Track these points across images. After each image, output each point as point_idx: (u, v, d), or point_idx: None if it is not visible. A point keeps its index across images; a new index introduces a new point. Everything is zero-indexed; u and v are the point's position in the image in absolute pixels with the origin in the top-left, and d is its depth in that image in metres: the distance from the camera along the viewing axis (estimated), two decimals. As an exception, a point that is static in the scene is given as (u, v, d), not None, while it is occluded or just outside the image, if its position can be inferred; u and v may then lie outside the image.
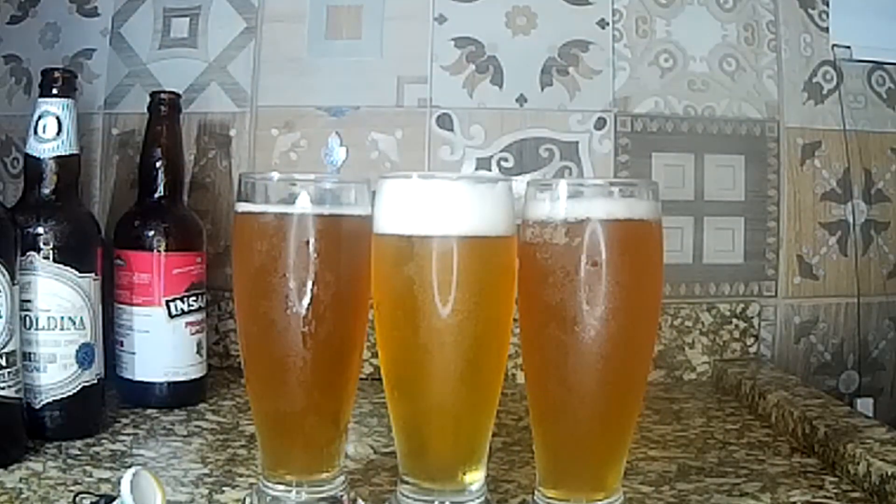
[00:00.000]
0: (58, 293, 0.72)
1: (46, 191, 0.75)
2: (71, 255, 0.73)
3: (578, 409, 0.54)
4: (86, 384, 0.74)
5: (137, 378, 0.85)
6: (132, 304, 0.85)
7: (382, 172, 0.91)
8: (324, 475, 0.57)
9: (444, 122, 1.05)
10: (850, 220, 1.09)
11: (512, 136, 1.06)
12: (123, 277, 0.85)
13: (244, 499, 0.59)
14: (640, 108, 1.07)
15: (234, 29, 1.06)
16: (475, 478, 0.56)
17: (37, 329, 0.71)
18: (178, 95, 0.91)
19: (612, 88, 1.06)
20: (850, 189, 1.09)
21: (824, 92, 1.09)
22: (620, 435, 0.55)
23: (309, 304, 0.54)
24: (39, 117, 0.75)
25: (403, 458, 0.56)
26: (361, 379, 0.60)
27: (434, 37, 1.06)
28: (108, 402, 0.79)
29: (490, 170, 1.05)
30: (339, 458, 0.58)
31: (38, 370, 0.71)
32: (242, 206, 0.56)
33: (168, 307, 0.85)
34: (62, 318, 0.72)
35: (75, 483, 0.62)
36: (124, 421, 0.79)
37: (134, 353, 0.85)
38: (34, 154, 0.75)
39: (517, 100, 1.06)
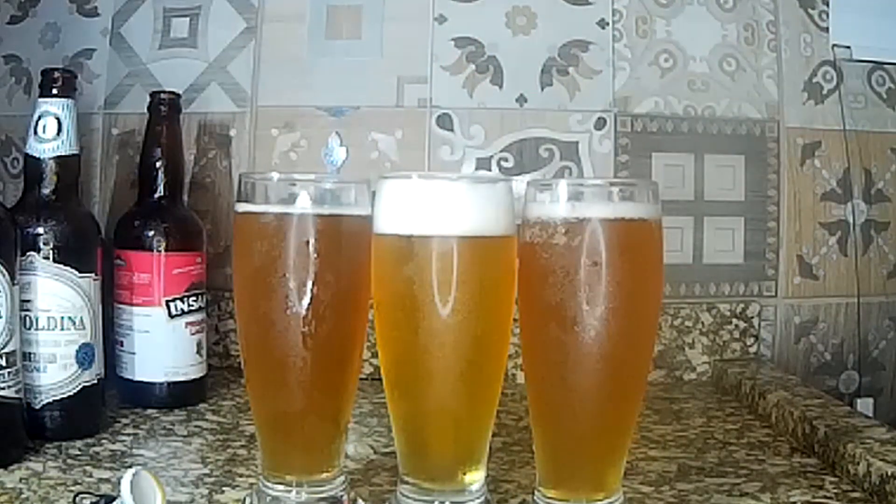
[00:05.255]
0: (58, 293, 0.72)
1: (46, 191, 0.75)
2: (71, 255, 0.73)
3: (578, 409, 0.54)
4: (86, 384, 0.74)
5: (137, 378, 0.85)
6: (132, 304, 0.85)
7: (382, 172, 0.91)
8: (324, 475, 0.57)
9: (444, 122, 1.05)
10: (850, 220, 1.09)
11: (512, 136, 1.06)
12: (123, 277, 0.85)
13: (244, 499, 0.59)
14: (640, 108, 1.07)
15: (234, 29, 1.06)
16: (475, 478, 0.56)
17: (37, 329, 0.71)
18: (178, 95, 0.91)
19: (612, 88, 1.06)
20: (850, 189, 1.09)
21: (824, 92, 1.09)
22: (620, 435, 0.55)
23: (309, 304, 0.54)
24: (39, 117, 0.75)
25: (403, 458, 0.56)
26: (361, 379, 0.60)
27: (434, 37, 1.06)
28: (108, 402, 0.79)
29: (490, 170, 1.05)
30: (339, 458, 0.58)
31: (38, 370, 0.71)
32: (242, 206, 0.56)
33: (168, 307, 0.85)
34: (62, 318, 0.72)
35: (75, 483, 0.62)
36: (124, 421, 0.79)
37: (134, 353, 0.85)
38: (34, 154, 0.75)
39: (517, 100, 1.06)
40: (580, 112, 1.06)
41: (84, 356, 0.73)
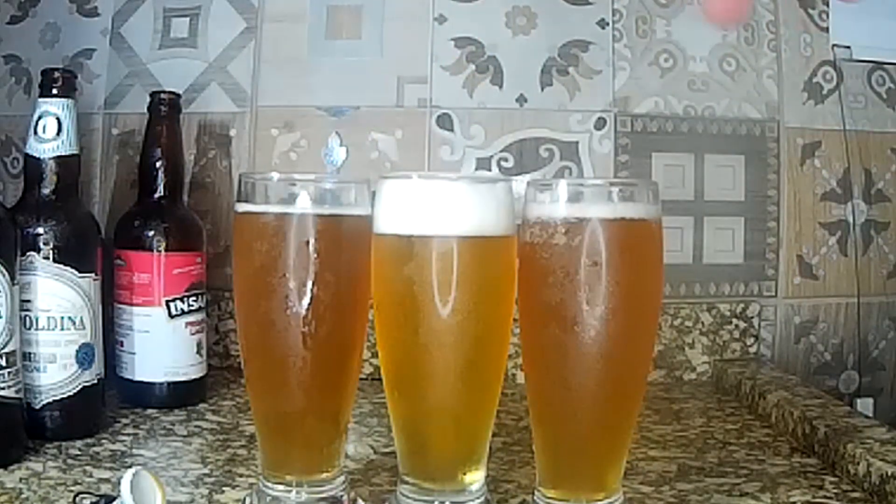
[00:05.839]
0: (58, 293, 0.72)
1: (46, 191, 0.75)
2: (71, 255, 0.73)
3: (578, 409, 0.54)
4: (86, 384, 0.74)
5: (137, 378, 0.85)
6: (132, 304, 0.85)
7: (382, 172, 0.91)
8: (324, 475, 0.57)
9: (444, 122, 1.05)
10: (850, 220, 1.09)
11: (512, 136, 1.06)
12: (123, 277, 0.85)
13: (244, 499, 0.59)
14: (640, 108, 1.07)
15: (234, 29, 1.06)
16: (475, 478, 0.56)
17: (37, 329, 0.71)
18: (178, 95, 0.91)
19: (612, 88, 1.06)
20: (850, 189, 1.09)
21: (824, 92, 1.09)
22: (621, 435, 0.55)
23: (309, 304, 0.54)
24: (39, 117, 0.75)
25: (403, 458, 0.56)
26: (361, 379, 0.60)
27: (434, 37, 1.06)
28: (108, 402, 0.79)
29: (490, 170, 1.05)
30: (339, 458, 0.58)
31: (38, 370, 0.71)
32: (242, 206, 0.56)
33: (168, 307, 0.85)
34: (62, 318, 0.72)
35: (75, 483, 0.62)
36: (124, 421, 0.79)
37: (134, 353, 0.85)
38: (34, 154, 0.75)
39: (517, 100, 1.06)
40: (580, 112, 1.06)
41: (84, 356, 0.73)
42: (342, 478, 0.58)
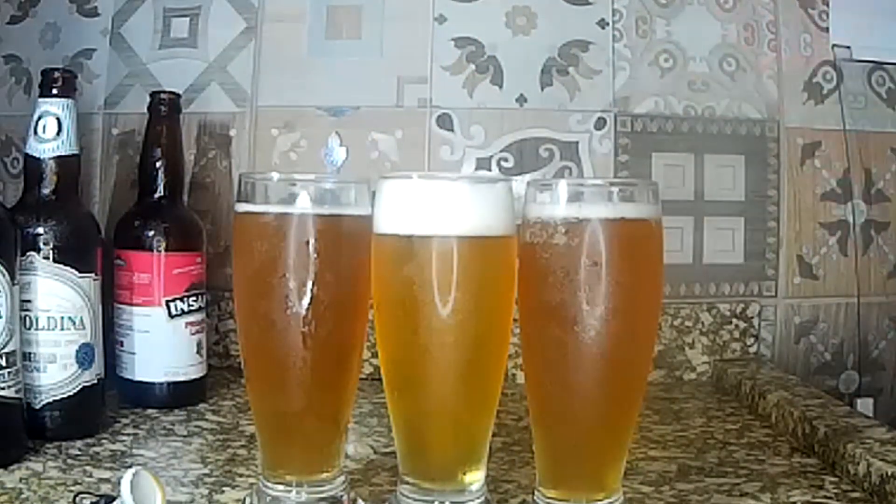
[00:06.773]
0: (58, 293, 0.72)
1: (46, 191, 0.75)
2: (71, 255, 0.73)
3: (578, 408, 0.54)
4: (86, 384, 0.74)
5: (137, 378, 0.85)
6: (132, 304, 0.85)
7: (382, 172, 0.91)
8: (324, 475, 0.57)
9: (444, 122, 1.05)
10: (850, 220, 1.09)
11: (512, 136, 1.06)
12: (123, 277, 0.85)
13: (244, 499, 0.59)
14: (640, 108, 1.07)
15: (234, 29, 1.06)
16: (475, 478, 0.56)
17: (37, 329, 0.71)
18: (178, 95, 0.91)
19: (612, 88, 1.06)
20: (850, 189, 1.09)
21: (824, 92, 1.09)
22: (620, 435, 0.55)
23: (309, 304, 0.54)
24: (39, 117, 0.75)
25: (403, 458, 0.56)
26: (361, 379, 0.60)
27: (434, 37, 1.06)
28: (108, 402, 0.79)
29: (490, 170, 1.05)
30: (339, 458, 0.58)
31: (38, 370, 0.71)
32: (242, 206, 0.56)
33: (168, 307, 0.85)
34: (62, 318, 0.72)
35: (75, 483, 0.62)
36: (124, 421, 0.79)
37: (134, 353, 0.85)
38: (34, 154, 0.75)
39: (517, 100, 1.06)
40: (580, 112, 1.06)
41: (84, 356, 0.73)
42: (342, 478, 0.58)
